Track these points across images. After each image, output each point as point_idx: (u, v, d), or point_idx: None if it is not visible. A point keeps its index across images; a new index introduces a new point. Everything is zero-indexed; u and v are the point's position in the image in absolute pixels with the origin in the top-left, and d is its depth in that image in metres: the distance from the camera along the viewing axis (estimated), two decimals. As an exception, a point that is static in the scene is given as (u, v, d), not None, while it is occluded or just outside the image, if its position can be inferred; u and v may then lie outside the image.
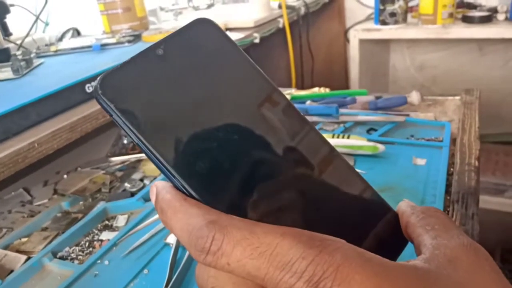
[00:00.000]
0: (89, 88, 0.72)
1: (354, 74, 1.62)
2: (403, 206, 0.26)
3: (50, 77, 0.78)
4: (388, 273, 0.19)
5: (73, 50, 0.96)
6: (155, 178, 0.68)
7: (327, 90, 0.92)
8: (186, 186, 0.22)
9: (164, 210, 0.23)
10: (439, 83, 1.88)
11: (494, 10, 1.50)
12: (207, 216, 0.21)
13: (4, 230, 0.61)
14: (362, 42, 1.62)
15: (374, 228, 0.25)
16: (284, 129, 0.25)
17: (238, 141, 0.23)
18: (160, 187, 0.24)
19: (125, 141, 0.80)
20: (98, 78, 0.23)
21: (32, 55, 0.87)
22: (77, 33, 1.20)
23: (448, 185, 0.57)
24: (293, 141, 0.25)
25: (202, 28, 0.25)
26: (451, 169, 0.61)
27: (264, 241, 0.20)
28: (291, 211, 0.23)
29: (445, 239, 0.22)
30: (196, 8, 1.40)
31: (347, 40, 1.93)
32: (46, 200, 0.67)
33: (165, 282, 0.45)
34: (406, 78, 1.95)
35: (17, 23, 1.17)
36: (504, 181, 1.59)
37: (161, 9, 1.46)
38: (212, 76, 0.24)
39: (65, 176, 0.74)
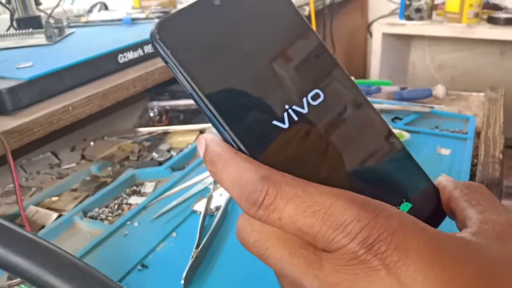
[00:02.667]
0: (121, 59, 0.73)
1: (374, 67, 1.62)
2: (444, 181, 0.26)
3: (82, 45, 0.80)
4: (442, 242, 0.19)
5: (103, 22, 0.97)
6: (181, 150, 0.69)
7: (352, 78, 0.92)
8: (237, 140, 0.23)
9: (214, 162, 0.23)
10: (457, 84, 1.87)
11: (520, 13, 1.49)
12: (259, 171, 0.21)
13: (34, 189, 0.63)
14: (385, 36, 1.61)
15: (414, 199, 0.25)
16: (335, 91, 0.25)
17: (288, 98, 0.24)
18: (209, 140, 0.24)
19: (151, 114, 0.81)
20: (156, 23, 0.23)
21: (64, 24, 0.88)
22: (104, 7, 1.21)
23: (472, 175, 0.58)
24: (341, 106, 0.25)
25: None
26: (475, 160, 0.62)
27: (318, 200, 0.20)
28: (334, 174, 0.24)
29: (493, 214, 0.22)
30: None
31: (369, 33, 1.93)
32: (74, 164, 0.69)
33: (195, 244, 0.46)
34: (424, 76, 1.94)
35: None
36: (517, 185, 1.59)
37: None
38: (267, 31, 0.24)
39: (92, 143, 0.75)
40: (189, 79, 0.22)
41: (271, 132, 0.23)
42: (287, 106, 0.24)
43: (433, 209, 0.26)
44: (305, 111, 0.24)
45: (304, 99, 0.24)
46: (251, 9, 0.25)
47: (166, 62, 0.23)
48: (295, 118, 0.24)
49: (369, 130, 0.26)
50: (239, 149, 0.23)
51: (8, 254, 0.29)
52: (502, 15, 1.48)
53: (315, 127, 0.24)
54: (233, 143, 0.23)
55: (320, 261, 0.20)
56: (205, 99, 0.22)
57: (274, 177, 0.21)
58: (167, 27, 0.23)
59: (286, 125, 0.23)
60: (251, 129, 0.23)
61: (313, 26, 1.27)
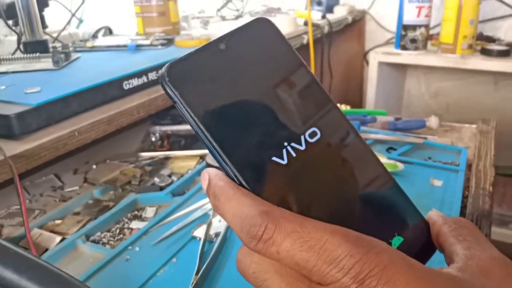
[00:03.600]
0: (126, 85, 0.76)
1: (370, 94, 1.66)
2: (434, 216, 0.27)
3: (88, 71, 0.82)
4: (429, 278, 0.21)
5: (109, 48, 1.00)
6: (182, 175, 0.71)
7: (348, 107, 0.95)
8: (239, 176, 0.24)
9: (217, 196, 0.24)
10: (452, 112, 1.91)
11: (512, 45, 1.54)
12: (260, 206, 0.23)
13: (37, 212, 0.65)
14: (381, 64, 1.65)
15: (405, 233, 0.27)
16: (331, 129, 0.27)
17: (287, 136, 0.25)
18: (213, 174, 0.25)
19: (153, 139, 0.83)
20: (165, 66, 0.24)
21: (70, 49, 0.91)
22: (109, 31, 1.24)
23: (463, 207, 0.60)
24: (336, 143, 0.27)
25: (262, 27, 0.28)
26: (466, 192, 0.64)
27: (314, 236, 0.22)
28: (330, 209, 0.25)
29: (478, 251, 0.24)
30: (223, 18, 1.44)
31: (365, 61, 1.97)
32: (77, 187, 0.71)
33: (195, 271, 0.48)
34: (420, 103, 1.98)
35: (51, 17, 1.21)
36: (510, 213, 1.61)
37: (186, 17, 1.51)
38: (268, 72, 0.26)
39: (94, 166, 0.77)
40: (195, 119, 0.24)
41: (271, 168, 0.25)
42: (286, 143, 0.25)
43: (424, 243, 0.27)
44: (303, 148, 0.26)
45: (302, 137, 0.26)
46: (253, 53, 0.27)
47: (174, 102, 0.25)
48: (294, 154, 0.25)
49: (362, 166, 0.27)
50: (241, 184, 0.24)
51: (22, 280, 0.31)
52: (495, 47, 1.52)
53: (312, 163, 0.26)
54: (235, 178, 0.25)
55: None
56: (210, 138, 0.24)
57: (274, 213, 0.23)
58: (175, 70, 0.25)
59: (285, 161, 0.25)
60: (253, 165, 0.25)
61: (311, 55, 1.30)
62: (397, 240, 0.27)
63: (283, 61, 0.27)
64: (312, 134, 0.26)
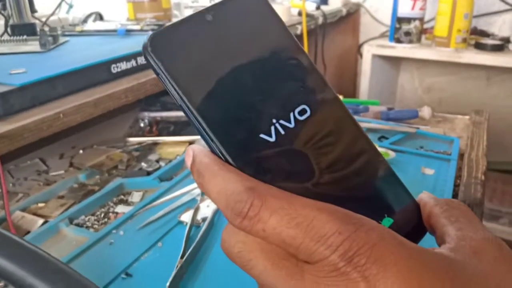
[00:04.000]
0: (114, 69, 0.74)
1: (363, 87, 1.65)
2: (425, 197, 0.27)
3: (76, 54, 0.80)
4: (420, 257, 0.20)
5: (98, 32, 0.98)
6: (170, 161, 0.70)
7: (341, 97, 0.94)
8: (224, 152, 0.23)
9: (201, 173, 0.23)
10: (444, 106, 1.91)
11: (506, 40, 1.54)
12: (246, 182, 0.22)
13: (20, 195, 0.63)
14: (375, 57, 1.64)
15: (395, 214, 0.26)
16: (322, 108, 0.26)
17: (275, 112, 0.24)
18: (197, 151, 0.24)
19: (141, 124, 0.82)
20: (148, 36, 0.23)
21: (59, 32, 0.89)
22: (99, 17, 1.22)
23: (454, 195, 0.59)
24: (327, 122, 0.26)
25: (251, 0, 0.26)
26: (458, 181, 0.64)
27: (301, 213, 0.21)
28: (318, 188, 0.24)
29: (470, 232, 0.23)
30: (217, 7, 1.42)
31: (359, 54, 1.96)
32: (62, 172, 0.69)
33: (180, 254, 0.46)
34: (413, 98, 1.98)
35: (41, 2, 1.19)
36: (500, 207, 1.62)
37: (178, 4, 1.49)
38: (256, 47, 0.25)
39: (81, 151, 0.76)
40: (179, 91, 0.23)
41: (258, 145, 0.24)
42: (274, 120, 0.24)
43: (414, 225, 0.26)
44: (291, 125, 0.24)
45: (291, 114, 0.25)
46: (241, 25, 0.25)
47: (157, 74, 0.23)
48: (282, 132, 0.24)
49: (352, 146, 0.26)
50: (227, 161, 0.23)
51: (-6, 256, 0.30)
52: (489, 41, 1.52)
53: (301, 141, 0.25)
54: (220, 155, 0.23)
55: (301, 272, 0.21)
56: (194, 111, 0.23)
57: (260, 189, 0.22)
58: (159, 40, 0.23)
59: (273, 139, 0.24)
60: (239, 141, 0.23)
61: (305, 45, 1.29)
62: (387, 222, 0.26)
63: (273, 35, 0.26)
64: (302, 112, 0.25)
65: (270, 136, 0.24)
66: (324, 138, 0.26)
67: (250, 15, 0.26)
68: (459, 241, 0.22)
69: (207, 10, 0.25)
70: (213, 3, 0.26)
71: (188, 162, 0.25)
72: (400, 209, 0.26)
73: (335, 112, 0.26)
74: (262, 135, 0.24)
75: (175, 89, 0.23)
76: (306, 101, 0.25)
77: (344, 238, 0.20)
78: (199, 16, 0.25)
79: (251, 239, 0.22)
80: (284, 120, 0.25)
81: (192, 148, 0.25)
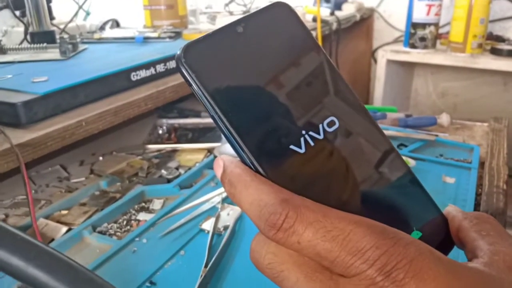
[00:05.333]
0: (133, 77, 0.75)
1: (378, 93, 1.64)
2: (453, 211, 0.26)
3: (95, 62, 0.81)
4: (457, 272, 0.20)
5: (116, 40, 0.99)
6: (189, 168, 0.70)
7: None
8: (255, 163, 0.23)
9: (233, 184, 0.23)
10: (459, 112, 1.89)
11: (522, 45, 1.52)
12: (280, 194, 0.22)
13: (43, 202, 0.64)
14: (389, 62, 1.64)
15: (424, 228, 0.26)
16: (349, 119, 0.26)
17: (305, 124, 0.24)
18: (228, 161, 0.24)
19: (160, 132, 0.82)
20: (181, 47, 0.24)
21: (78, 40, 0.90)
22: (116, 24, 1.23)
23: (477, 205, 0.59)
24: (355, 133, 0.26)
25: (280, 11, 0.27)
26: (479, 190, 0.63)
27: (337, 226, 0.21)
28: (349, 200, 0.24)
29: (503, 246, 0.23)
30: (231, 14, 1.43)
31: (373, 59, 1.95)
32: (83, 179, 0.70)
33: (204, 263, 0.47)
34: (427, 103, 1.96)
35: (58, 9, 1.21)
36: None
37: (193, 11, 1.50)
38: (287, 58, 0.26)
39: (100, 158, 0.76)
40: (212, 102, 0.23)
41: (289, 156, 0.24)
42: (304, 132, 0.24)
43: (442, 239, 0.26)
44: (321, 137, 0.25)
45: (320, 126, 0.25)
46: (271, 37, 0.26)
47: (190, 85, 0.24)
48: (312, 143, 0.24)
49: (381, 158, 0.26)
50: (258, 172, 0.23)
51: (29, 267, 0.30)
52: (505, 46, 1.51)
53: (330, 153, 0.25)
54: (252, 166, 0.24)
55: (337, 285, 0.20)
56: (226, 122, 0.23)
57: (294, 201, 0.22)
58: (192, 52, 0.24)
59: (302, 150, 0.24)
60: (270, 153, 0.24)
61: (320, 51, 1.29)
62: (415, 235, 0.26)
63: (301, 46, 0.26)
64: (330, 123, 0.25)
65: (300, 147, 0.24)
66: (352, 150, 0.26)
67: (280, 26, 0.26)
68: (492, 256, 0.22)
69: (238, 22, 0.25)
70: (244, 14, 0.26)
71: (218, 172, 0.25)
72: (428, 222, 0.26)
73: (362, 123, 0.26)
74: (292, 146, 0.24)
75: (208, 100, 0.23)
76: (334, 112, 0.26)
77: (382, 253, 0.20)
78: (231, 27, 0.25)
79: (283, 251, 0.22)
80: (314, 131, 0.25)
81: (222, 159, 0.25)
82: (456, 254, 0.26)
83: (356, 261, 0.20)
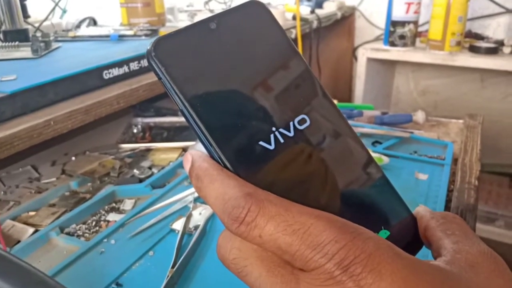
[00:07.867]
0: (106, 75, 0.74)
1: (358, 91, 1.65)
2: (422, 211, 0.27)
3: (68, 60, 0.80)
4: (416, 268, 0.20)
5: (91, 38, 0.98)
6: (163, 167, 0.69)
7: (335, 101, 0.94)
8: (223, 158, 0.23)
9: (200, 178, 0.24)
10: (439, 109, 1.91)
11: (500, 43, 1.54)
12: (244, 188, 0.22)
13: (11, 203, 0.62)
14: (370, 61, 1.64)
15: (392, 227, 0.26)
16: (321, 118, 0.26)
17: (275, 121, 0.25)
18: (196, 156, 0.24)
19: (134, 130, 0.81)
20: (152, 41, 0.24)
21: (51, 38, 0.89)
22: (93, 22, 1.22)
23: (448, 201, 0.59)
24: (325, 132, 0.26)
25: (254, 10, 0.27)
26: (452, 186, 0.63)
27: (298, 220, 0.21)
28: (315, 197, 0.24)
29: (466, 245, 0.23)
30: (211, 11, 1.42)
31: (354, 57, 1.96)
32: (54, 179, 0.68)
33: (172, 263, 0.46)
34: (408, 101, 1.98)
35: (34, 7, 1.19)
36: (496, 210, 1.62)
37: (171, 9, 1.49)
38: (258, 55, 0.26)
39: (73, 158, 0.75)
40: (180, 96, 0.23)
41: (258, 152, 0.24)
42: (274, 129, 0.24)
43: (411, 238, 0.27)
44: (291, 134, 0.25)
45: (291, 123, 0.25)
46: (244, 35, 0.26)
47: (159, 78, 0.24)
48: (281, 140, 0.24)
49: (351, 157, 0.26)
50: (225, 167, 0.23)
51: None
52: (483, 44, 1.52)
53: (300, 150, 0.25)
54: (219, 160, 0.24)
55: (297, 280, 0.20)
56: (195, 116, 0.23)
57: (258, 195, 0.22)
58: (163, 46, 0.24)
59: (272, 147, 0.24)
60: (239, 148, 0.24)
61: (300, 49, 1.29)
62: (383, 234, 0.26)
63: (275, 45, 0.27)
64: (301, 121, 0.25)
65: (270, 144, 0.24)
66: (322, 148, 0.26)
67: (253, 25, 0.26)
68: (455, 254, 0.22)
69: (211, 18, 0.25)
70: (218, 11, 0.26)
71: (187, 167, 0.25)
72: (396, 222, 0.26)
73: (333, 121, 0.27)
74: (261, 143, 0.24)
75: (176, 94, 0.23)
76: (305, 110, 0.26)
77: (341, 247, 0.20)
78: (203, 24, 0.25)
79: (247, 246, 0.22)
80: (284, 129, 0.25)
81: (190, 153, 0.25)
82: (426, 254, 0.26)
83: (315, 255, 0.20)
